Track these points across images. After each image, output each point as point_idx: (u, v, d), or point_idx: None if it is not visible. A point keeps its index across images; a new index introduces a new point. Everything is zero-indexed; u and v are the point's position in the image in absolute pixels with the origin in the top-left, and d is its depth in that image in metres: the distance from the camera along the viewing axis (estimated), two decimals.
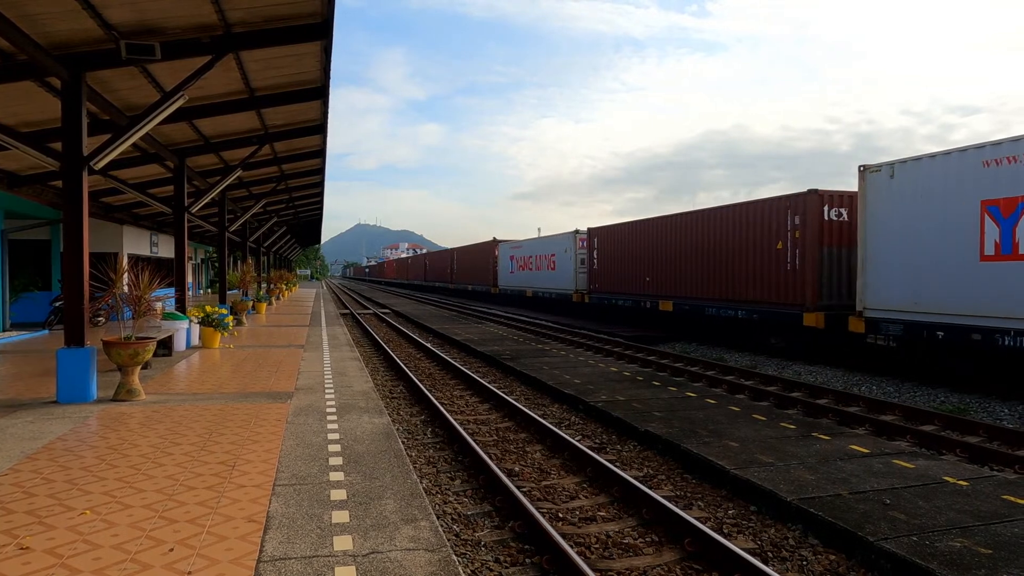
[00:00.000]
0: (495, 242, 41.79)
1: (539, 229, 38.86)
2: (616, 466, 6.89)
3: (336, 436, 6.34)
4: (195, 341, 13.67)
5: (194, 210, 14.42)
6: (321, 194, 25.97)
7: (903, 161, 12.79)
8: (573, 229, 28.95)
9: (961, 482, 6.05)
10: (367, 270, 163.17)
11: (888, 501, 5.52)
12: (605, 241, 25.87)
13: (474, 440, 7.88)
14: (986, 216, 11.22)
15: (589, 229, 27.27)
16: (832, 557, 4.92)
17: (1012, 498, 5.62)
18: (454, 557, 3.80)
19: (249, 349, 13.29)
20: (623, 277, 24.22)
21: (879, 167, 13.31)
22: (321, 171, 19.93)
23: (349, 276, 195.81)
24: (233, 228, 20.45)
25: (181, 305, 13.53)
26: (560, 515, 5.81)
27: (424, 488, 6.25)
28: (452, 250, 56.30)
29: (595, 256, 26.61)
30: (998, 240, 11.04)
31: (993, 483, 6.08)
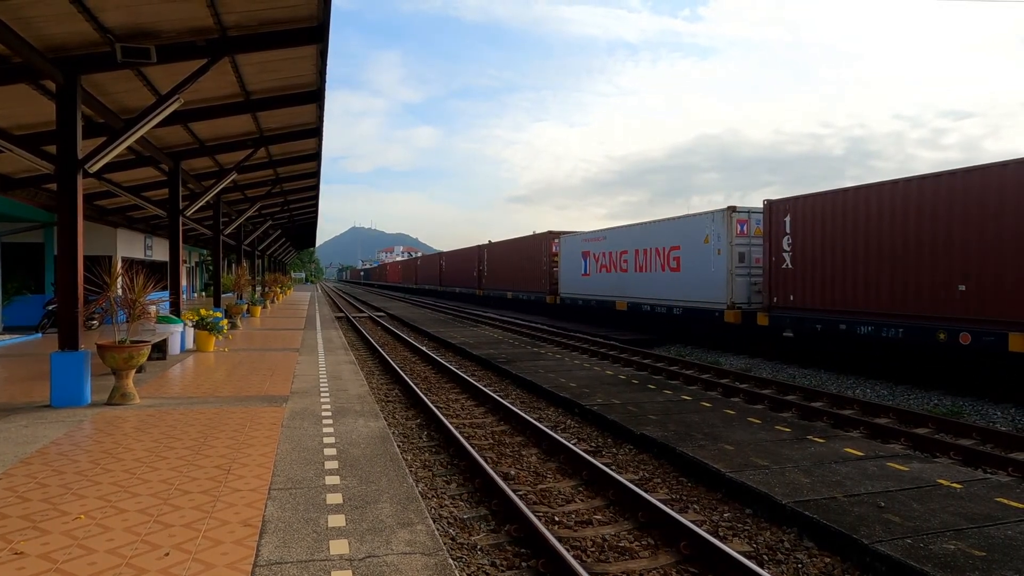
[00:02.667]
0: (551, 235, 31.32)
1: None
2: (612, 469, 6.90)
3: (332, 440, 6.33)
4: (190, 345, 13.62)
5: (189, 213, 14.38)
6: (316, 197, 25.94)
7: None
8: (726, 206, 18.12)
9: (955, 485, 6.09)
10: (363, 273, 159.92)
11: (883, 504, 5.54)
12: (818, 218, 14.89)
13: (470, 444, 7.87)
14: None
15: (770, 202, 16.48)
16: (827, 559, 4.94)
17: (1005, 500, 5.65)
18: (450, 561, 3.80)
19: (244, 352, 13.25)
20: (875, 282, 13.47)
21: None
22: (316, 174, 19.91)
23: (345, 279, 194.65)
24: (228, 231, 20.40)
25: (176, 308, 13.49)
26: (556, 518, 5.81)
27: (420, 492, 6.24)
28: (478, 248, 43.98)
29: (788, 246, 15.73)
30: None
31: (987, 486, 6.11)
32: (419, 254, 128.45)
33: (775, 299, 16.21)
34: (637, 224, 23.52)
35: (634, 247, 23.15)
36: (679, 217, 20.84)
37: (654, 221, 22.29)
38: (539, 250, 32.21)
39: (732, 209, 18.06)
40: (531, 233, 34.43)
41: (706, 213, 19.12)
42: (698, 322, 19.58)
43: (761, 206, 17.02)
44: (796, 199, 15.72)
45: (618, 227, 24.81)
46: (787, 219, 15.89)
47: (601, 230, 26.05)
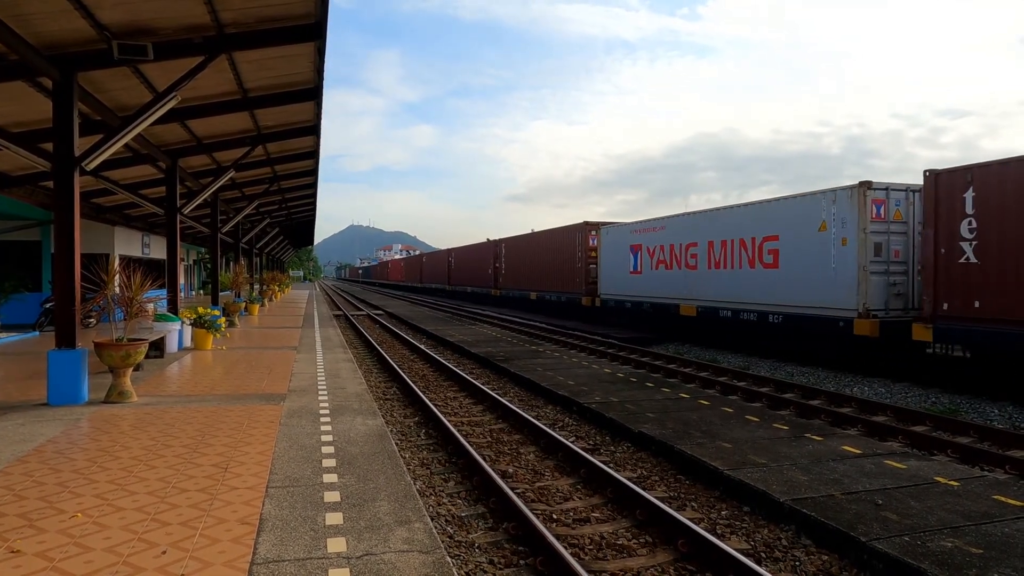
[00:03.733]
0: (588, 226, 26.68)
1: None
2: (610, 467, 6.90)
3: (330, 438, 6.33)
4: (187, 343, 13.60)
5: (186, 211, 14.35)
6: (314, 195, 25.90)
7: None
8: (857, 182, 13.95)
9: (952, 482, 6.09)
10: (362, 271, 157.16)
11: (880, 501, 5.55)
12: None
13: (468, 442, 7.87)
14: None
15: (936, 173, 12.20)
16: (825, 557, 4.95)
17: (1002, 498, 5.66)
18: (448, 559, 3.79)
19: (242, 351, 13.24)
20: None
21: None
22: (314, 172, 19.88)
23: (344, 278, 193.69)
24: (226, 229, 20.37)
25: (173, 306, 13.48)
26: (554, 516, 5.81)
27: (418, 490, 6.24)
28: (493, 244, 39.75)
29: (970, 232, 11.61)
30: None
31: (984, 483, 6.12)
32: (418, 252, 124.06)
33: (944, 305, 12.01)
34: (710, 211, 19.12)
35: (706, 238, 18.79)
36: (777, 199, 16.38)
37: (739, 206, 17.94)
38: (572, 244, 27.63)
39: (866, 186, 13.70)
40: (559, 226, 30.03)
41: (820, 193, 14.92)
42: (807, 334, 15.27)
43: (898, 182, 13.92)
44: (985, 167, 11.53)
45: (682, 215, 20.54)
46: (968, 195, 11.63)
47: (658, 218, 21.81)
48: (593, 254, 26.30)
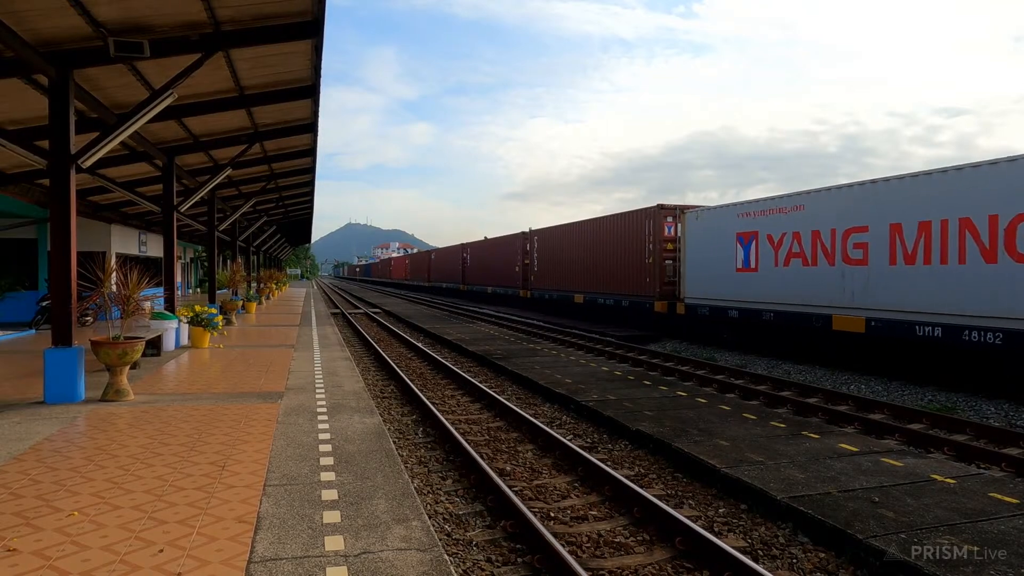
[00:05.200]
0: (662, 211, 21.08)
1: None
2: (607, 465, 6.91)
3: (327, 436, 6.32)
4: (184, 341, 13.58)
5: (183, 209, 14.31)
6: (311, 193, 25.86)
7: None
8: None
9: (948, 480, 6.11)
10: (360, 269, 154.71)
11: (877, 499, 5.56)
12: None
13: (465, 440, 7.87)
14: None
15: None
16: (822, 555, 4.96)
17: (998, 495, 5.68)
18: (446, 557, 3.79)
19: (239, 349, 13.22)
20: None
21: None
22: (311, 170, 19.85)
23: (342, 276, 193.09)
24: (223, 227, 20.32)
25: (170, 304, 13.44)
26: (552, 514, 5.81)
27: (415, 488, 6.24)
28: (522, 237, 33.96)
29: None
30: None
31: (980, 481, 6.14)
32: (416, 250, 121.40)
33: None
34: (887, 180, 13.69)
35: (884, 220, 13.48)
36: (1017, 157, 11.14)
37: (936, 171, 12.64)
38: (638, 234, 21.90)
39: None
40: (615, 212, 24.35)
41: None
42: None
43: None
44: None
45: (835, 188, 15.00)
46: None
47: (788, 195, 16.35)
48: (670, 246, 20.77)
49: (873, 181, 14.00)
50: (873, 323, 13.52)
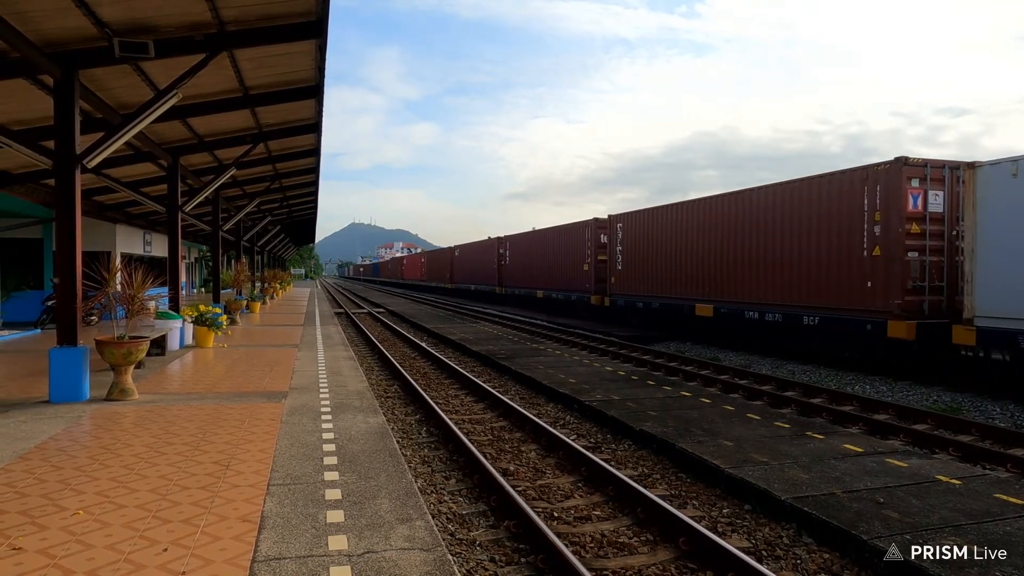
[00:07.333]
0: (905, 166, 12.81)
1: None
2: (611, 465, 6.90)
3: (331, 436, 6.33)
4: (189, 340, 13.61)
5: (187, 209, 14.35)
6: (315, 193, 25.89)
7: None
8: None
9: (954, 481, 6.09)
10: (363, 269, 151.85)
11: (881, 500, 5.54)
12: None
13: (469, 439, 7.87)
14: None
15: None
16: (826, 555, 4.94)
17: (1004, 496, 5.65)
18: (449, 556, 3.79)
19: (243, 348, 13.24)
20: None
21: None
22: (315, 170, 19.87)
23: (347, 276, 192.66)
24: (227, 227, 20.37)
25: (175, 304, 13.47)
26: (555, 514, 5.81)
27: (419, 487, 6.24)
28: (589, 226, 26.19)
29: None
30: None
31: (985, 481, 6.11)
32: (420, 250, 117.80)
33: None
34: None
35: None
36: None
37: None
38: (848, 210, 13.96)
39: None
40: (774, 182, 16.32)
41: None
42: None
43: None
44: None
45: None
46: None
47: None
48: (916, 229, 13.00)
49: None
50: None
